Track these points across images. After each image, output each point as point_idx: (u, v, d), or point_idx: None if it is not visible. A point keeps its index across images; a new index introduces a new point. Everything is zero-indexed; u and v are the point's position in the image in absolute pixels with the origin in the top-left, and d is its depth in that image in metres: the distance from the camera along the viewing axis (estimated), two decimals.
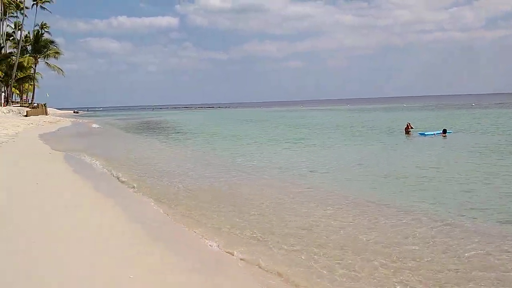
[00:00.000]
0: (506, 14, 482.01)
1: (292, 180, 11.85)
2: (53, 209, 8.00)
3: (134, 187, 10.78)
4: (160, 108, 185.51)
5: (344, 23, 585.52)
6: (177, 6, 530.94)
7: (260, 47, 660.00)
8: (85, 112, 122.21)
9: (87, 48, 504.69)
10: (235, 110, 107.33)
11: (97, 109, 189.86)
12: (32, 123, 39.27)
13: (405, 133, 26.09)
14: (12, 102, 66.90)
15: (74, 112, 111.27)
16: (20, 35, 62.17)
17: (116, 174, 12.59)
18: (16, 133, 27.14)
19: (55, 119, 52.05)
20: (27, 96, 78.16)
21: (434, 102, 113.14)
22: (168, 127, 40.59)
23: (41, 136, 26.29)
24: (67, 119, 58.15)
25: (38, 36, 63.11)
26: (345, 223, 7.47)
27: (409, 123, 27.29)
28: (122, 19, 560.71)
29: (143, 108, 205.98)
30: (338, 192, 10.08)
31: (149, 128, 39.92)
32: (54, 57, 64.43)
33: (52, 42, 63.88)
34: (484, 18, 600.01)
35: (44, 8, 65.60)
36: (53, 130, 33.10)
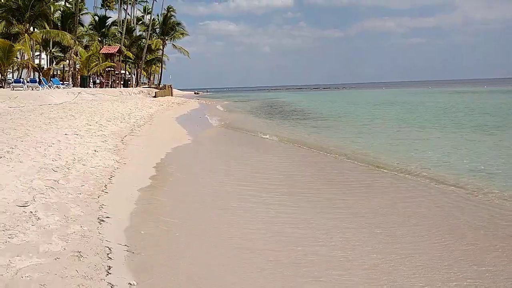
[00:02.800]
0: None
1: None
2: None
3: None
4: (275, 89, 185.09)
5: None
6: None
7: (378, 23, 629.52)
8: (204, 93, 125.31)
9: (206, 31, 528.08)
10: (356, 92, 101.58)
11: (215, 90, 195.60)
12: (162, 104, 39.17)
13: None
14: (142, 83, 69.67)
15: (195, 93, 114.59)
16: (150, 19, 63.93)
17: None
18: (151, 115, 26.26)
19: (182, 100, 52.36)
20: (153, 77, 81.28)
21: None
22: (301, 112, 35.97)
23: (178, 120, 25.00)
24: (191, 100, 58.55)
25: (166, 19, 64.27)
26: None
27: None
28: (239, 1, 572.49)
29: (258, 89, 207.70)
30: None
31: (280, 112, 37.35)
32: (180, 38, 65.44)
33: (179, 24, 64.81)
34: None
35: None
36: (185, 112, 32.06)
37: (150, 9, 65.83)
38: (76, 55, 49.48)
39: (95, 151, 10.61)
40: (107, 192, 6.96)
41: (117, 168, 9.12)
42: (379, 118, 27.29)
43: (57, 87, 37.61)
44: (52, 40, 45.46)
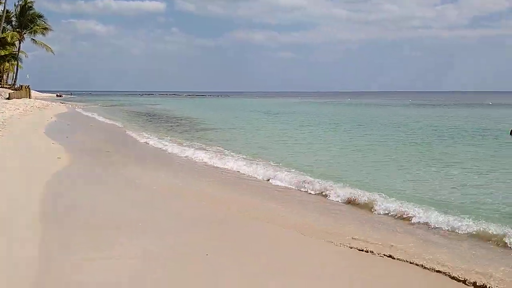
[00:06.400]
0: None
1: None
2: None
3: None
4: (148, 94, 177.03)
5: (335, 16, 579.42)
6: None
7: (249, 35, 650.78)
8: (69, 96, 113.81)
9: (70, 29, 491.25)
10: (232, 100, 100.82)
11: (80, 92, 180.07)
12: (18, 108, 32.91)
13: None
14: None
15: (57, 95, 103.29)
16: (4, 10, 54.85)
17: None
18: (2, 121, 20.95)
19: (43, 104, 45.33)
20: (7, 76, 70.56)
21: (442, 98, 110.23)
22: (191, 122, 30.45)
23: (43, 129, 19.97)
24: (55, 103, 51.34)
25: (24, 10, 55.83)
26: None
27: None
28: (108, 1, 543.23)
29: (129, 93, 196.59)
30: None
31: (164, 121, 33.38)
32: (42, 33, 57.34)
33: (40, 16, 56.78)
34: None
35: None
36: (50, 119, 26.60)
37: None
38: None
39: None
40: None
41: None
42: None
43: None
44: None
